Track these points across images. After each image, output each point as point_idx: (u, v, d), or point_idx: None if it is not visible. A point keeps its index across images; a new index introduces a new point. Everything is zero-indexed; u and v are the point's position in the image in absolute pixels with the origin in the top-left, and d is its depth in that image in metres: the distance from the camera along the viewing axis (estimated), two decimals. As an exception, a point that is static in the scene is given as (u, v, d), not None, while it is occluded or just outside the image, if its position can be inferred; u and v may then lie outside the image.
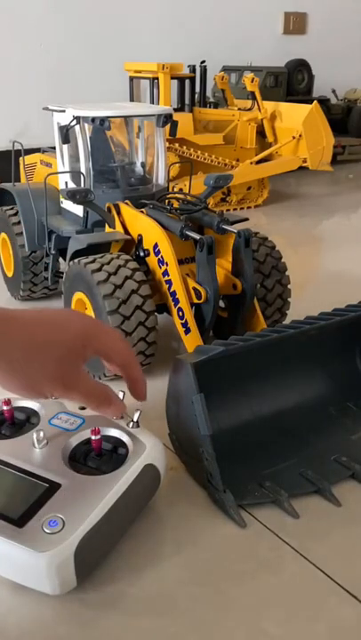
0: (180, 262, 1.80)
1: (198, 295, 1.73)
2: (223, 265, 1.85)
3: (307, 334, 1.51)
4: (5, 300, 2.52)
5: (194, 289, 1.74)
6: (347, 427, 1.56)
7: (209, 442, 1.25)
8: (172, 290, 1.76)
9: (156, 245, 1.80)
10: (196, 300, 1.75)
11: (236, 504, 1.27)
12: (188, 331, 1.74)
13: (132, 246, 1.91)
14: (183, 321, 1.75)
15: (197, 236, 1.72)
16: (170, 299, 1.78)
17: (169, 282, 1.77)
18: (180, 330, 1.76)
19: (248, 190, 4.18)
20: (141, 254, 1.85)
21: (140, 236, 1.86)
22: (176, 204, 1.99)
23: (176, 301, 1.76)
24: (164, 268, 1.78)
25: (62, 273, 2.03)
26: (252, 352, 1.44)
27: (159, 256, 1.79)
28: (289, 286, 1.98)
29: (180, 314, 1.75)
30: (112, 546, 1.14)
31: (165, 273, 1.78)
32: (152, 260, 1.83)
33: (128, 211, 1.93)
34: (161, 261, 1.78)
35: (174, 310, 1.77)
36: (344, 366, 1.73)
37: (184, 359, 1.32)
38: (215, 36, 5.21)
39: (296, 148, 4.17)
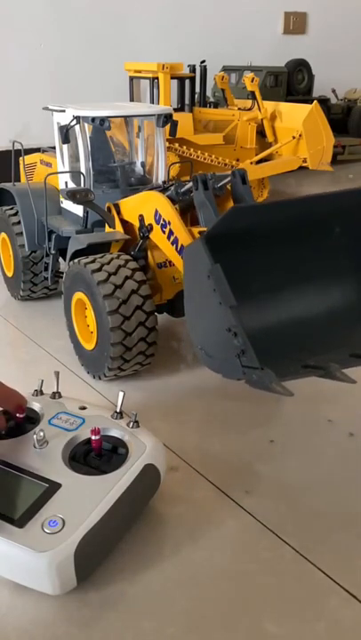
0: None
1: None
2: None
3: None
4: (5, 300, 2.52)
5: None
6: None
7: (234, 314, 1.13)
8: (179, 248, 1.70)
9: (156, 213, 1.76)
10: None
11: (279, 380, 1.10)
12: None
13: (132, 245, 1.90)
14: None
15: (191, 184, 1.69)
16: (180, 260, 1.69)
17: (175, 240, 1.71)
18: None
19: (248, 190, 4.18)
20: (146, 234, 1.82)
21: (140, 216, 1.83)
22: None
23: None
24: (168, 229, 1.73)
25: (62, 273, 2.03)
26: (278, 240, 1.29)
27: (161, 220, 1.75)
28: (289, 286, 1.97)
29: None
30: (112, 546, 1.14)
31: (170, 233, 1.72)
32: (156, 232, 1.78)
33: (127, 201, 1.92)
34: (164, 225, 1.74)
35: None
36: None
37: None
38: (215, 36, 5.20)
39: (296, 147, 4.16)
